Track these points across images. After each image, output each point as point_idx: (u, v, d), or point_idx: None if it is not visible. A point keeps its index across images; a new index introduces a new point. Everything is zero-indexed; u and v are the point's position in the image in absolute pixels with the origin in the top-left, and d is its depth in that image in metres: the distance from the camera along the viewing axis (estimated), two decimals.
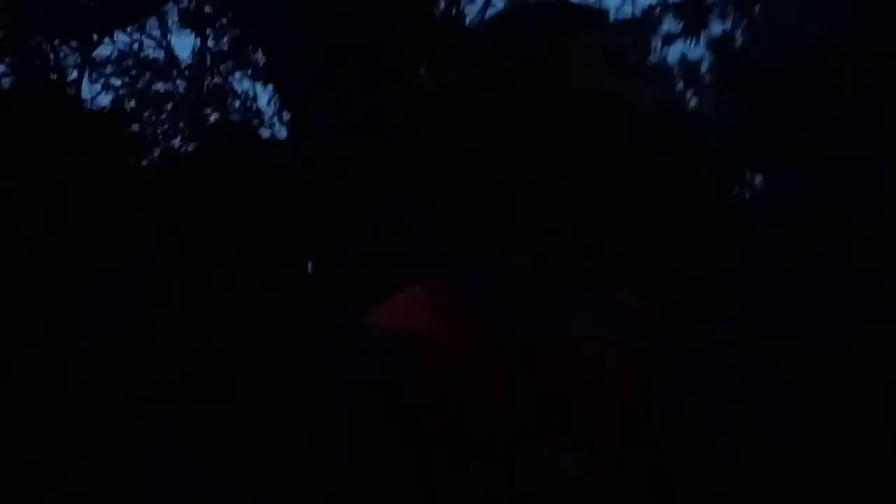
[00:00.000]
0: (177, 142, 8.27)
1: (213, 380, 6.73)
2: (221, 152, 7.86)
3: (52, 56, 8.06)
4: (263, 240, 7.43)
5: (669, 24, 8.77)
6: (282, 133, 8.28)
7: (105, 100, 8.46)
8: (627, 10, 8.83)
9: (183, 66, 8.44)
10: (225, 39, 8.38)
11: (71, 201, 7.10)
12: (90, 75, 8.25)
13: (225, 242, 7.35)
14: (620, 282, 1.50)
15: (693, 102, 8.40)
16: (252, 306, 7.07)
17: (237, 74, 8.39)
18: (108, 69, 8.26)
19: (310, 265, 7.53)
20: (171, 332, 6.88)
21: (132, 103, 8.22)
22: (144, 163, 7.95)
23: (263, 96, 9.18)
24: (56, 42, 8.00)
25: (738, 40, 8.33)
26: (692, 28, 8.57)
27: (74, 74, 8.22)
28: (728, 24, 8.38)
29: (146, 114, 8.16)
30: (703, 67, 8.47)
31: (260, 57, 8.23)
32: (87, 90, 8.35)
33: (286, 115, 8.08)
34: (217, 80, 8.34)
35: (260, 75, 8.27)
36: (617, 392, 1.40)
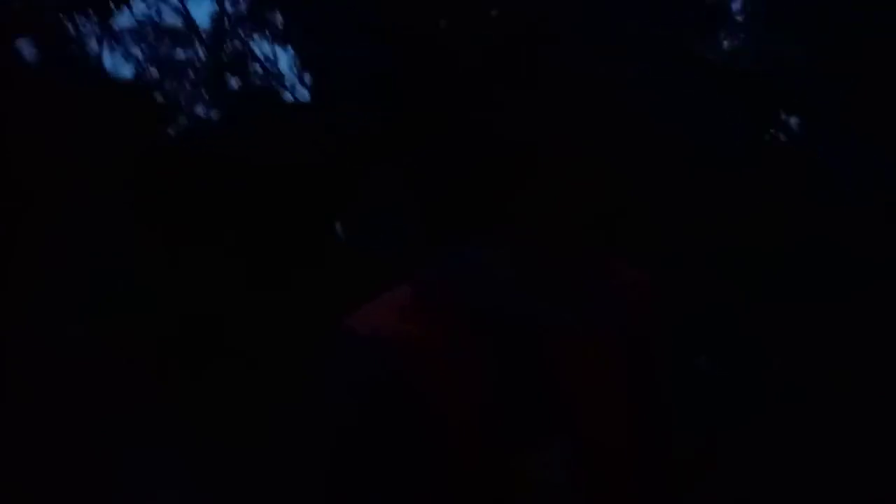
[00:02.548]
0: (200, 109, 8.31)
1: (212, 375, 6.62)
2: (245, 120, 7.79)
3: (71, 28, 8.09)
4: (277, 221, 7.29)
5: None
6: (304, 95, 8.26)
7: (127, 70, 8.50)
8: None
9: (203, 32, 8.47)
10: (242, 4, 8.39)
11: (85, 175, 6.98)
12: (110, 46, 8.32)
13: (244, 221, 7.25)
14: (624, 259, 1.44)
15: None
16: (254, 298, 6.93)
17: (256, 38, 8.39)
18: (128, 39, 8.34)
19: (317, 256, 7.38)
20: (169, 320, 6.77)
21: (154, 72, 8.26)
22: (169, 131, 7.95)
23: (284, 60, 8.88)
24: (75, 14, 8.01)
25: None
26: None
27: (94, 47, 8.27)
28: None
29: (167, 82, 8.20)
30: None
31: (279, 19, 8.22)
32: (108, 61, 8.40)
33: (308, 79, 8.08)
34: (237, 44, 8.36)
35: (280, 38, 8.27)
36: (618, 386, 1.35)
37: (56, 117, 6.80)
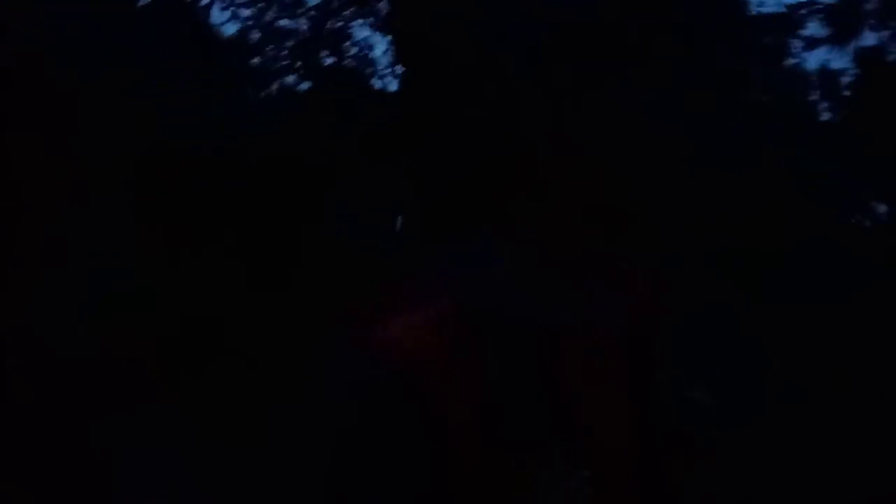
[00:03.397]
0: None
1: (212, 375, 6.61)
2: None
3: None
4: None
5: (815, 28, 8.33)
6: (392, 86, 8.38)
7: (231, 28, 8.65)
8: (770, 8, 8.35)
9: (308, 5, 8.67)
10: None
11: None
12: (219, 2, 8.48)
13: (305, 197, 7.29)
14: (624, 259, 1.44)
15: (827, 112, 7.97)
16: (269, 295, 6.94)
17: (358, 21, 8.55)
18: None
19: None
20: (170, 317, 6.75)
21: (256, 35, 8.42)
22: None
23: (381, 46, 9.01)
24: None
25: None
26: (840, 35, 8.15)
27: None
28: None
29: (268, 47, 8.36)
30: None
31: (384, 6, 8.38)
32: (215, 16, 8.54)
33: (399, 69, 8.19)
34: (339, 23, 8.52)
35: (380, 26, 8.42)
36: (618, 386, 1.36)
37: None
